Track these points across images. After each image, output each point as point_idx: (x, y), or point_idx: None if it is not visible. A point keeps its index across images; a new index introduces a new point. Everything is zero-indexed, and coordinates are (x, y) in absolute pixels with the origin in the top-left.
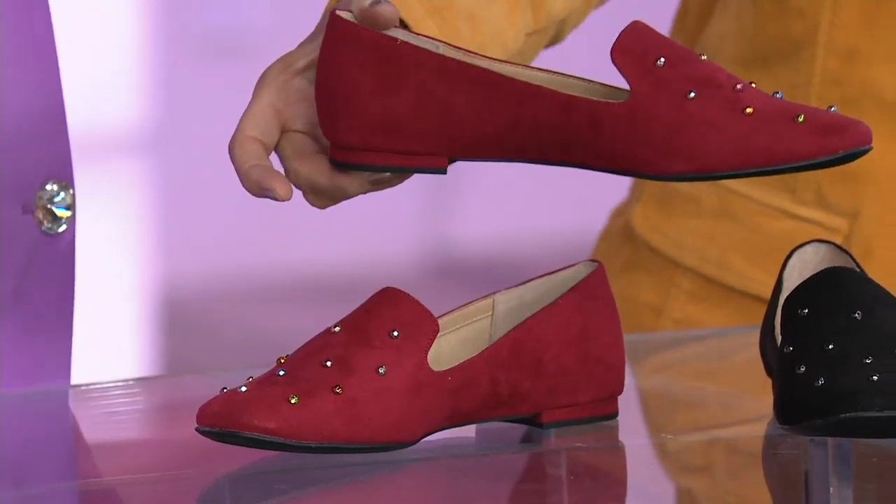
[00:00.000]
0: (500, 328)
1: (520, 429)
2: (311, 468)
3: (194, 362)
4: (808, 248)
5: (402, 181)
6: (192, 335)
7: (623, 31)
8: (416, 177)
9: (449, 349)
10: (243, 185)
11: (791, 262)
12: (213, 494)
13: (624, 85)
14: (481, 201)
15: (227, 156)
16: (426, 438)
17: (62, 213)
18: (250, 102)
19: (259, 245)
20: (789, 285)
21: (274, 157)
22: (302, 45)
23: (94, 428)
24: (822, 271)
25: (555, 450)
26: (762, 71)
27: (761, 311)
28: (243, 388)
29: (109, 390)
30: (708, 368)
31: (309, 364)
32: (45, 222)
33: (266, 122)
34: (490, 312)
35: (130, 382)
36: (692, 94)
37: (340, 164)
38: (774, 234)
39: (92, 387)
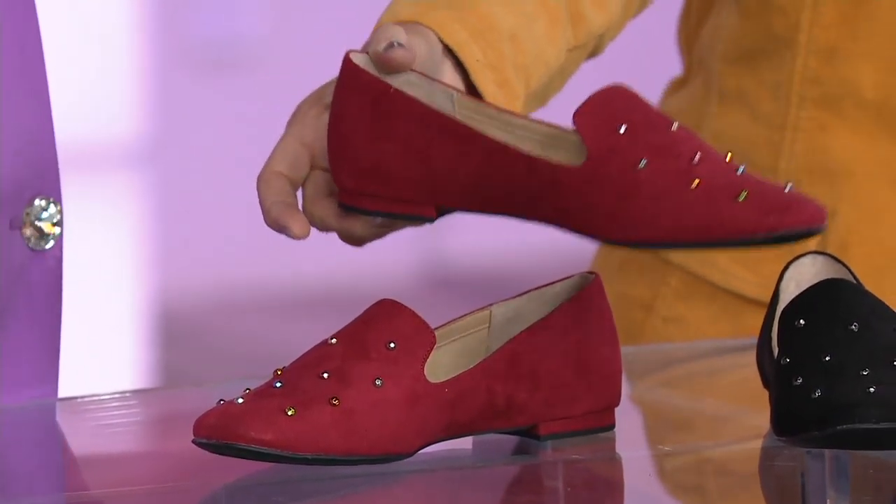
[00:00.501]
0: (496, 340)
1: (516, 440)
2: (308, 480)
3: (191, 374)
4: (804, 259)
5: (405, 226)
6: (188, 347)
7: (591, 95)
8: None
9: (446, 361)
10: (265, 221)
11: (788, 273)
12: None
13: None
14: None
15: (223, 168)
16: (423, 450)
17: (50, 228)
18: (282, 136)
19: (255, 257)
20: (786, 297)
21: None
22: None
23: (90, 440)
24: (819, 283)
25: (551, 461)
26: (747, 69)
27: (746, 309)
28: (240, 400)
29: (106, 402)
30: (705, 380)
31: (306, 376)
32: (32, 239)
33: (294, 157)
34: (487, 324)
35: (127, 394)
36: (643, 163)
37: (343, 207)
38: None
39: (88, 399)
